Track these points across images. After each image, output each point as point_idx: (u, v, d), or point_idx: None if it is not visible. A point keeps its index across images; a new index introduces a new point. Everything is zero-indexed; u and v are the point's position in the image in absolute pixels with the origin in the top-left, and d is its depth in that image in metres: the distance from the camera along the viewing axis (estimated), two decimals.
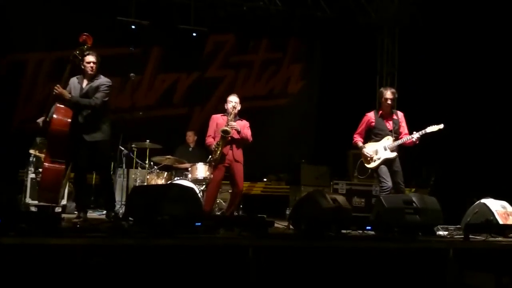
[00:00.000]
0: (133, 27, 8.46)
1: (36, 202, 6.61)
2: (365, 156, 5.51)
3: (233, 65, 9.51)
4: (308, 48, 9.98)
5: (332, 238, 4.01)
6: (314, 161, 8.51)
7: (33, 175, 6.76)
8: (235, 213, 6.01)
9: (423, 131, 5.35)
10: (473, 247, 4.15)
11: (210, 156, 6.69)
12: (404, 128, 5.55)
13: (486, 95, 7.57)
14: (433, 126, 5.35)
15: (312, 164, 8.33)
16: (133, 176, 6.99)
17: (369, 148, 5.50)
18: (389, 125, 5.51)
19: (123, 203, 6.28)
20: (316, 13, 9.10)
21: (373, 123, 5.54)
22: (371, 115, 5.59)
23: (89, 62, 4.83)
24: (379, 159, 5.42)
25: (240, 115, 5.83)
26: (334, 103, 9.22)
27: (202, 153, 7.23)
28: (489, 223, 4.64)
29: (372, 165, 5.48)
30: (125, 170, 6.52)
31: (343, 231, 4.25)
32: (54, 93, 4.71)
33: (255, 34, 9.52)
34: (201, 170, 6.60)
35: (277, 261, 3.50)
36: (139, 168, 7.15)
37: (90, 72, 4.84)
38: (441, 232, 4.75)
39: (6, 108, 8.12)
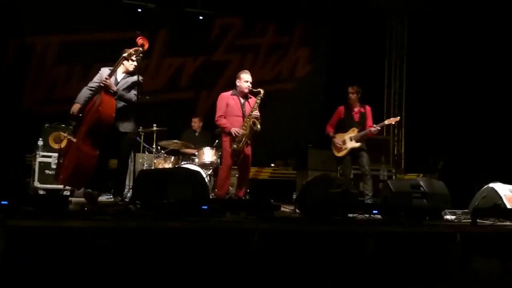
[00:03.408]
0: (139, 10, 8.42)
1: (44, 185, 6.69)
2: (336, 146, 6.24)
3: (240, 48, 9.44)
4: (316, 31, 9.88)
5: (339, 222, 4.01)
6: (321, 146, 8.48)
7: (41, 159, 6.81)
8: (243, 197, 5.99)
9: (381, 124, 6.09)
10: (481, 231, 4.14)
11: (217, 140, 6.69)
12: (370, 121, 6.20)
13: (495, 80, 7.48)
14: (390, 119, 6.17)
15: (319, 149, 8.30)
16: (140, 160, 7.00)
17: (339, 139, 6.22)
18: (356, 117, 6.21)
19: (130, 187, 6.31)
20: None
21: (343, 116, 6.26)
22: (341, 109, 6.32)
23: (134, 61, 5.03)
24: (346, 148, 6.14)
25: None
26: (341, 87, 9.12)
27: (208, 137, 7.23)
28: (497, 207, 4.61)
29: (341, 154, 6.19)
30: (133, 154, 6.53)
31: (350, 215, 4.25)
32: (102, 84, 4.86)
33: (262, 17, 9.43)
34: (208, 155, 6.61)
35: (283, 244, 3.51)
36: (146, 153, 7.16)
37: (130, 70, 5.07)
38: (448, 217, 4.73)
39: (14, 91, 8.13)
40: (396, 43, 9.63)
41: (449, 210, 4.78)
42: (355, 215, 4.33)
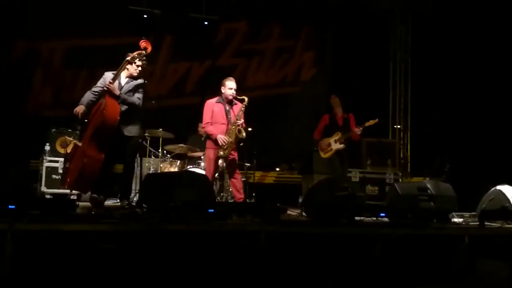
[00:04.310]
0: (145, 16, 8.46)
1: (51, 190, 6.72)
2: (322, 148, 6.79)
3: (245, 53, 9.44)
4: (320, 35, 9.88)
5: (345, 225, 4.00)
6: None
7: (48, 164, 6.84)
8: (248, 200, 6.00)
9: (362, 126, 6.57)
10: (489, 234, 4.11)
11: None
12: (353, 127, 6.71)
13: (501, 81, 7.46)
14: (370, 121, 6.58)
15: None
16: (146, 164, 7.02)
17: (325, 142, 6.77)
18: (340, 122, 6.77)
19: (137, 191, 6.32)
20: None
21: (328, 122, 6.83)
22: (326, 116, 6.90)
23: (139, 66, 5.04)
24: (331, 150, 6.68)
25: (253, 104, 5.79)
26: (346, 90, 9.14)
27: None
28: (504, 210, 4.58)
29: (327, 155, 6.75)
30: (139, 158, 6.55)
31: (357, 218, 4.24)
32: (105, 88, 4.87)
33: (266, 22, 9.46)
34: None
35: (289, 247, 3.51)
36: (152, 157, 7.17)
37: (135, 74, 5.07)
38: (456, 219, 4.71)
39: (20, 96, 8.17)
40: (400, 46, 9.61)
41: (457, 213, 4.76)
42: (362, 217, 4.32)
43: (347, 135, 6.62)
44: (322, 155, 6.83)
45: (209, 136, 5.62)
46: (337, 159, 6.69)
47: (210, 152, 5.62)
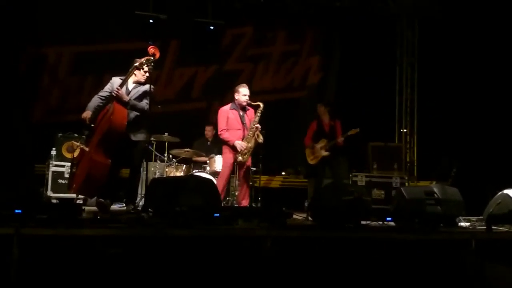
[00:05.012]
0: (151, 21, 8.50)
1: (57, 195, 6.75)
2: (308, 154, 6.96)
3: (251, 57, 9.45)
4: (327, 39, 9.87)
5: (351, 229, 3.98)
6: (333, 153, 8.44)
7: (54, 169, 6.87)
8: (254, 205, 6.01)
9: (345, 135, 6.78)
10: (496, 238, 4.09)
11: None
12: (339, 134, 6.88)
13: (508, 85, 7.43)
14: (352, 130, 6.75)
15: None
16: (152, 169, 7.03)
17: (311, 148, 6.92)
18: (327, 129, 6.93)
19: (142, 195, 6.33)
20: (334, 3, 9.03)
21: (315, 129, 7.00)
22: (314, 123, 7.07)
23: (146, 72, 5.09)
24: (317, 157, 6.83)
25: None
26: (353, 94, 9.13)
27: (220, 146, 7.24)
28: None
29: (313, 161, 6.92)
30: (145, 163, 6.56)
31: (363, 222, 4.22)
32: (114, 95, 4.90)
33: (272, 26, 9.47)
34: (220, 163, 6.61)
35: (295, 251, 3.50)
36: (158, 161, 7.19)
37: (142, 80, 5.12)
38: (463, 223, 4.68)
39: (27, 101, 8.23)
40: (407, 50, 9.59)
41: (464, 217, 4.73)
42: (368, 222, 4.30)
43: (332, 143, 6.77)
44: (309, 161, 6.98)
45: (225, 143, 5.66)
46: (321, 167, 6.87)
47: (228, 157, 5.66)
